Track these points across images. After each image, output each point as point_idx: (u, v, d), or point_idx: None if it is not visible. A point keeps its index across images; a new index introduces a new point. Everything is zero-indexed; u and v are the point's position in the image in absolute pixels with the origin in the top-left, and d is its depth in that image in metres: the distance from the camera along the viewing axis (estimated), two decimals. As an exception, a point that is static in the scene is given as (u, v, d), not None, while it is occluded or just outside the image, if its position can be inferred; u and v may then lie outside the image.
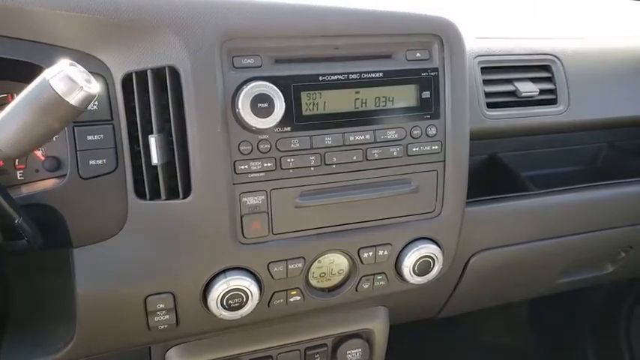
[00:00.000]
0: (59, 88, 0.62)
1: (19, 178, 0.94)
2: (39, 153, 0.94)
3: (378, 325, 1.19)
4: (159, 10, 0.80)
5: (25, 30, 0.78)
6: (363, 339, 1.18)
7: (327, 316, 1.14)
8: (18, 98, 0.64)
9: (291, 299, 0.98)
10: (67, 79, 0.62)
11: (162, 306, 0.89)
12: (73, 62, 0.65)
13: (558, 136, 1.34)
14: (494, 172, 1.31)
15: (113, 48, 0.80)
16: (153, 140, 0.81)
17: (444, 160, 0.99)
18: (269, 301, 0.96)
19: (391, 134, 0.94)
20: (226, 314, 0.91)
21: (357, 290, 1.02)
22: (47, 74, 0.63)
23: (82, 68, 0.66)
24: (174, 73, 0.82)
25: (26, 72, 0.83)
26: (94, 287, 0.85)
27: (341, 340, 1.17)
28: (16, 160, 0.93)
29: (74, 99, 0.63)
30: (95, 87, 0.66)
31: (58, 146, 0.93)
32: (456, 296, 1.29)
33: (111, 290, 0.86)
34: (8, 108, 0.65)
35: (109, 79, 0.81)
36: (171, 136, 0.83)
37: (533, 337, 2.16)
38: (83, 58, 0.79)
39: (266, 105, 0.84)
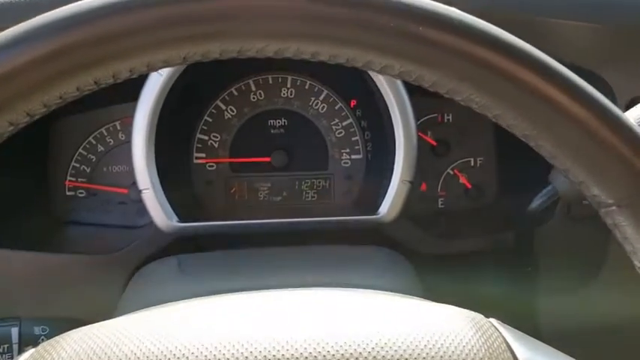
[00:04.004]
0: None
1: (440, 206, 0.85)
2: (465, 180, 0.84)
3: None
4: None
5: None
6: None
7: None
8: None
9: None
10: None
11: None
12: None
13: None
14: None
15: (624, 69, 0.67)
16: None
17: None
18: None
19: None
20: None
21: None
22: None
23: None
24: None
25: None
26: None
27: None
28: (439, 186, 0.84)
29: None
30: None
31: (484, 175, 0.83)
32: None
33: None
34: None
35: None
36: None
37: None
38: (590, 78, 0.67)
39: None
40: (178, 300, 0.49)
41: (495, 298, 0.69)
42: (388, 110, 0.72)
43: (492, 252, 0.73)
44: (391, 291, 0.52)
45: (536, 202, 0.59)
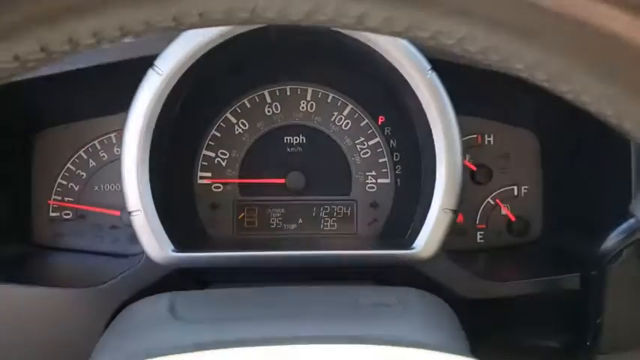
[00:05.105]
0: None
1: (478, 240, 0.74)
2: (509, 211, 0.73)
3: None
4: None
5: None
6: None
7: None
8: None
9: None
10: None
11: None
12: None
13: None
14: None
15: None
16: None
17: None
18: None
19: None
20: None
21: None
22: None
23: None
24: None
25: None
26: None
27: None
28: (478, 218, 0.74)
29: None
30: None
31: (529, 206, 0.73)
32: None
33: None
34: None
35: None
36: None
37: None
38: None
39: None
40: (166, 352, 0.39)
41: (552, 355, 0.57)
42: (427, 128, 0.61)
43: (545, 298, 0.62)
44: (437, 346, 0.41)
45: (614, 239, 0.48)
